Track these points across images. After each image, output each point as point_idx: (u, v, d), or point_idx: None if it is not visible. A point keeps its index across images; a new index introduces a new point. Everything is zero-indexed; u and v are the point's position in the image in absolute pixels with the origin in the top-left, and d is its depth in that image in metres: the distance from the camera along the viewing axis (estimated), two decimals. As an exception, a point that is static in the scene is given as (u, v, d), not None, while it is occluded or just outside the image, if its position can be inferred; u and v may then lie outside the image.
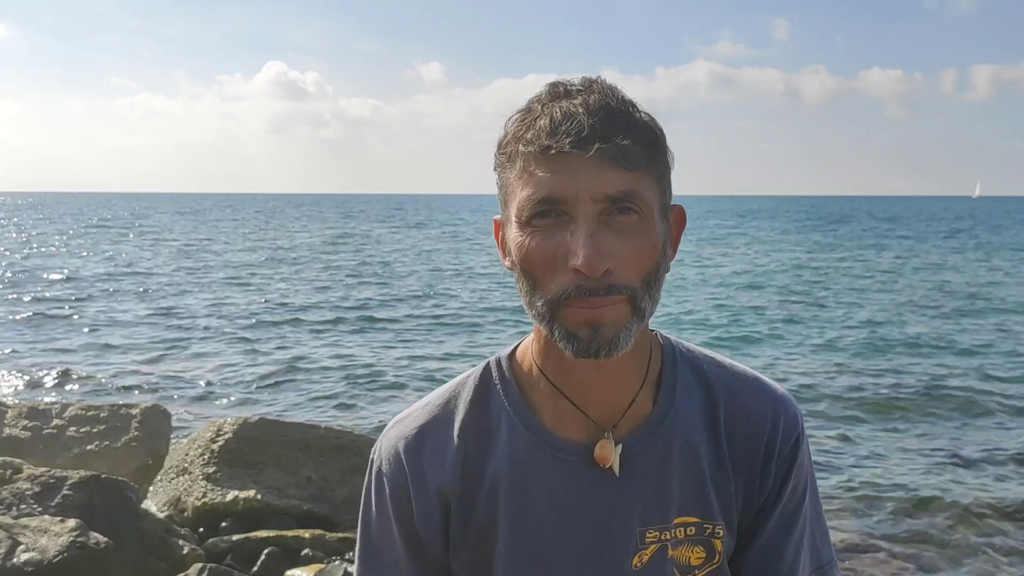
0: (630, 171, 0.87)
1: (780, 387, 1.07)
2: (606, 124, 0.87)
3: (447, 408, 1.05)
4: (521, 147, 0.90)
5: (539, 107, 0.91)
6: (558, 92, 0.92)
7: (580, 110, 0.88)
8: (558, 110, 0.89)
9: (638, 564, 0.98)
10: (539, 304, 0.91)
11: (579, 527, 0.98)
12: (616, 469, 0.98)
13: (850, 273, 21.63)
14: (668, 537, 0.99)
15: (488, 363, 1.07)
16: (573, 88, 0.92)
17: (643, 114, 0.92)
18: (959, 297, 16.64)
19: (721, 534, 1.01)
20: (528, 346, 1.04)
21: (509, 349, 1.08)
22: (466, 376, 1.07)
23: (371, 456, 1.08)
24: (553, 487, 0.99)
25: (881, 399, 8.48)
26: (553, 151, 0.87)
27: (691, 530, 1.00)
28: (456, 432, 1.02)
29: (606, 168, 0.86)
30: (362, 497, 1.08)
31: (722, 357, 1.08)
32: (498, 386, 1.04)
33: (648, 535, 0.98)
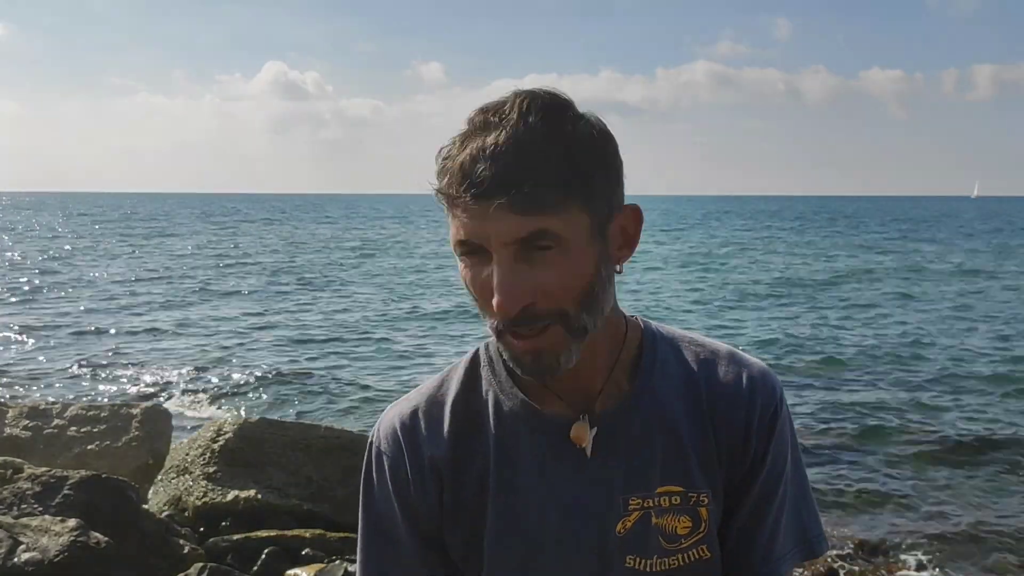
0: (536, 215, 0.88)
1: (759, 362, 1.10)
2: (511, 170, 0.87)
3: (440, 390, 1.10)
4: (439, 191, 0.93)
5: (456, 147, 0.92)
6: (476, 126, 0.92)
7: (485, 158, 0.88)
8: (468, 156, 0.89)
9: (622, 530, 1.02)
10: (487, 327, 0.96)
11: (563, 497, 1.02)
12: (588, 451, 1.02)
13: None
14: (651, 505, 1.02)
15: (479, 347, 1.12)
16: (492, 120, 0.91)
17: (566, 137, 0.91)
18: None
19: (706, 502, 1.03)
20: None
21: None
22: (458, 361, 1.13)
23: (369, 439, 1.12)
24: (537, 459, 1.03)
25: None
26: (459, 201, 0.89)
27: (676, 499, 1.03)
28: (448, 410, 1.07)
29: (510, 216, 0.88)
30: (362, 479, 1.12)
31: (701, 336, 1.12)
32: (486, 366, 1.09)
33: (631, 502, 1.02)
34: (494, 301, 0.89)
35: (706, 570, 1.04)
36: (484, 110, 0.92)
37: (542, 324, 0.92)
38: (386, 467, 1.07)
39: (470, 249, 0.92)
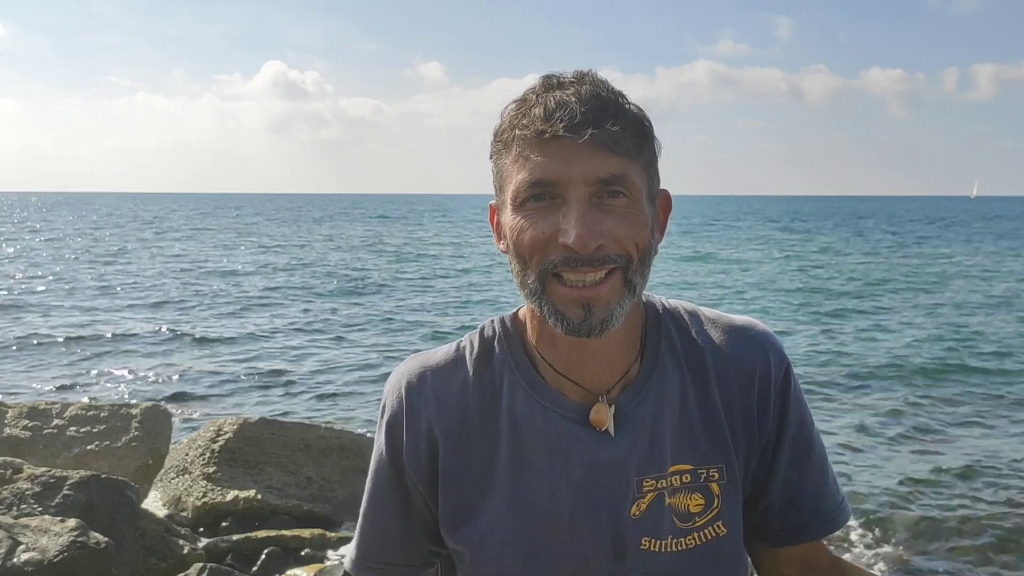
0: (619, 156, 0.93)
1: (759, 324, 1.11)
2: (597, 112, 0.93)
3: (454, 357, 1.10)
4: (517, 132, 0.95)
5: (534, 97, 0.96)
6: (552, 83, 0.97)
7: (573, 99, 0.93)
8: (552, 99, 0.94)
9: (636, 513, 1.02)
10: (530, 281, 0.96)
11: (577, 479, 1.02)
12: (612, 431, 1.02)
13: None
14: (664, 485, 1.03)
15: (494, 320, 1.12)
16: (566, 80, 0.97)
17: (632, 105, 0.97)
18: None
19: (716, 477, 1.04)
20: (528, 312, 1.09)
21: (514, 310, 1.13)
22: (475, 331, 1.13)
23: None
24: (552, 442, 1.03)
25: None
26: (547, 135, 0.92)
27: (686, 477, 1.03)
28: (460, 381, 1.07)
29: (597, 152, 0.92)
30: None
31: (702, 308, 1.13)
32: (504, 341, 1.09)
33: (645, 484, 1.02)
34: (567, 239, 0.91)
35: (723, 547, 1.04)
36: (553, 75, 0.98)
37: (609, 265, 0.93)
38: (384, 420, 1.09)
39: (541, 192, 0.93)
